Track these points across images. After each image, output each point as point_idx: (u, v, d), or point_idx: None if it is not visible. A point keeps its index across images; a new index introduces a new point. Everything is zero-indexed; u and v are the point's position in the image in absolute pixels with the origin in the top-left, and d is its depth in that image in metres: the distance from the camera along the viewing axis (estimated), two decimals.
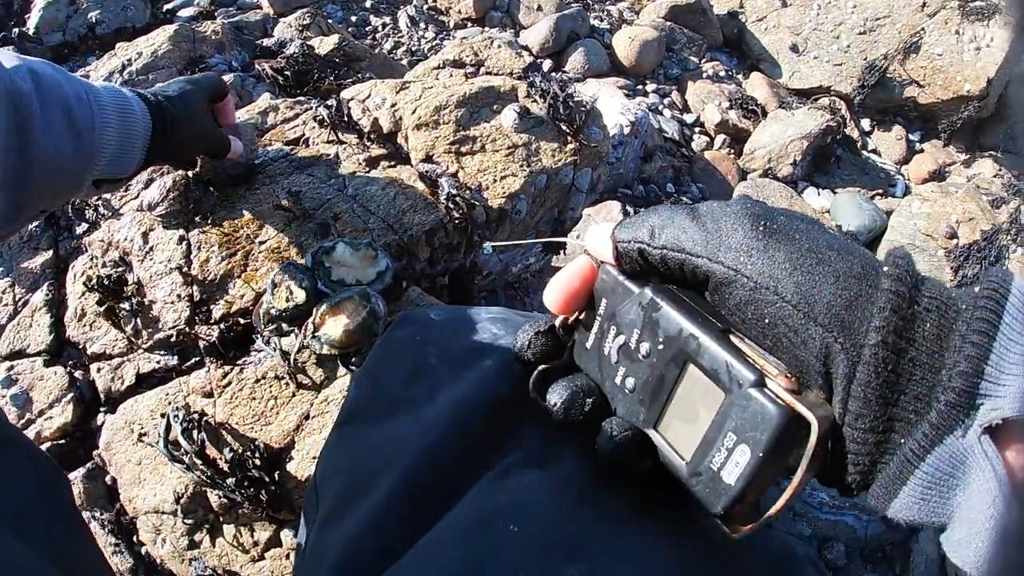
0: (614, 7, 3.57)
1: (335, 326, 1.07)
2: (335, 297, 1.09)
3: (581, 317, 0.52)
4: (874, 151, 3.19)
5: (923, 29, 3.17)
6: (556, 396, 0.50)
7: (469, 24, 3.21)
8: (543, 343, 0.53)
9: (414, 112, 1.35)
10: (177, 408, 1.10)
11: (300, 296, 1.10)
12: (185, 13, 4.12)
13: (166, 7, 4.36)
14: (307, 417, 1.07)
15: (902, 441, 0.35)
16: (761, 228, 0.40)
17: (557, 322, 0.53)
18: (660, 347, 0.44)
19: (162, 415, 1.09)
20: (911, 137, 3.23)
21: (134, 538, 1.14)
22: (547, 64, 2.89)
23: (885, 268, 0.37)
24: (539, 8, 3.14)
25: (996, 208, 2.64)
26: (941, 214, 2.55)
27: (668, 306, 0.44)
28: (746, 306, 0.40)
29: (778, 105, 3.18)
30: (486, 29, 3.15)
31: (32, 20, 4.46)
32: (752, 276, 0.39)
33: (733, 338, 0.41)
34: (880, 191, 2.96)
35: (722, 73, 3.38)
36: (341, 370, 1.09)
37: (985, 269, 2.18)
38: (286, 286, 1.12)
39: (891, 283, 0.36)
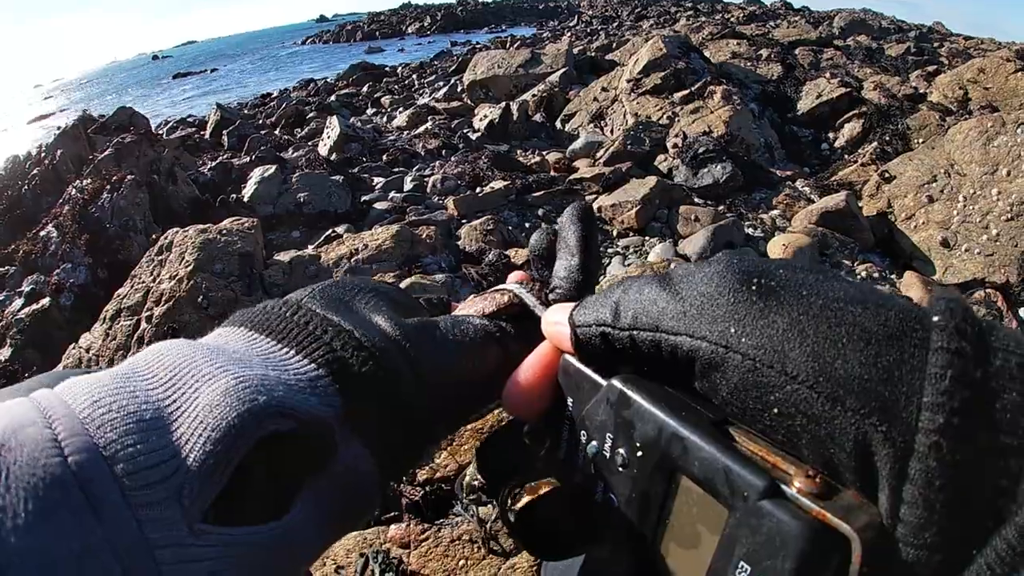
0: (767, 215, 3.79)
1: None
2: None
3: (549, 418, 0.42)
4: None
5: None
6: (527, 530, 0.40)
7: (631, 233, 3.54)
8: (508, 456, 0.43)
9: None
10: (377, 551, 1.28)
11: None
12: (380, 206, 4.80)
13: (364, 198, 5.10)
14: None
15: (975, 553, 0.25)
16: (754, 287, 0.31)
17: (525, 428, 0.43)
18: (639, 454, 0.34)
19: (360, 555, 1.27)
20: None
21: None
22: None
23: (936, 318, 0.27)
24: (696, 219, 3.43)
25: None
26: None
27: (642, 400, 0.34)
28: (745, 392, 0.30)
29: None
30: (647, 238, 3.46)
31: (247, 191, 5.32)
32: (748, 352, 0.29)
33: (733, 431, 0.32)
34: None
35: (876, 274, 3.42)
36: None
37: None
38: None
39: (947, 339, 0.26)
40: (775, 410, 0.29)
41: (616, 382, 0.35)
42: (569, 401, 0.40)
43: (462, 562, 1.26)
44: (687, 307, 0.32)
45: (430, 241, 2.62)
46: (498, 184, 4.05)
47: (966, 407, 0.24)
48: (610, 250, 3.36)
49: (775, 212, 3.86)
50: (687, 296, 0.33)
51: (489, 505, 1.31)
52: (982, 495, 0.24)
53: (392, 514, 1.38)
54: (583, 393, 0.38)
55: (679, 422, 0.32)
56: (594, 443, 0.37)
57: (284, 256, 3.02)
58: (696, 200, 3.86)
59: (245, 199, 5.20)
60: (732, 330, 0.30)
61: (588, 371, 0.38)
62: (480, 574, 1.24)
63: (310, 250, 3.22)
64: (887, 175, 3.96)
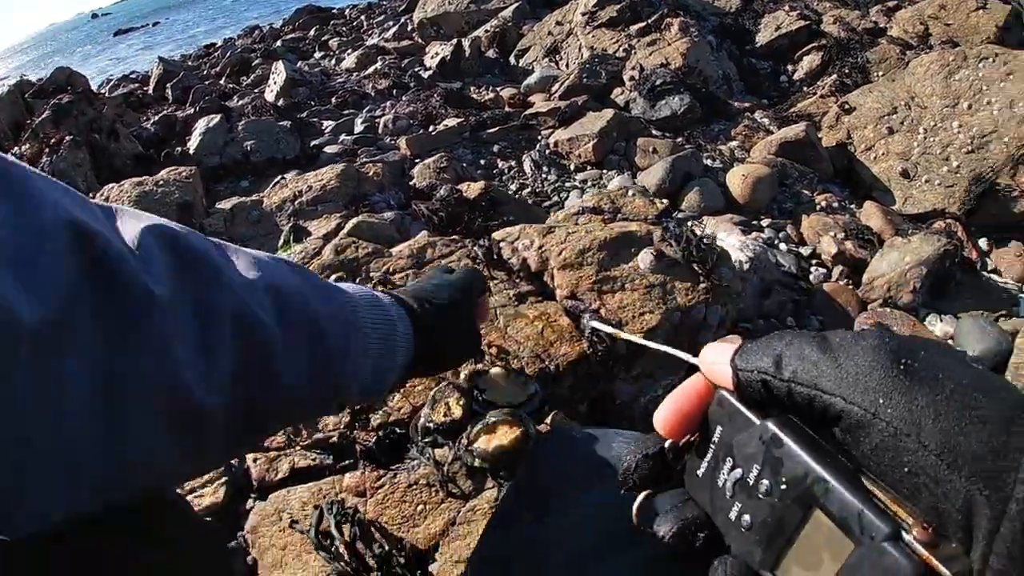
0: (725, 146, 3.72)
1: (489, 443, 1.19)
2: (491, 417, 1.22)
3: (692, 440, 0.48)
4: (994, 271, 3.08)
5: None
6: (666, 526, 0.47)
7: (589, 167, 3.44)
8: (650, 467, 0.49)
9: (560, 254, 1.52)
10: (331, 502, 1.21)
11: (457, 412, 1.24)
12: (330, 150, 4.63)
13: (313, 143, 4.92)
14: (453, 523, 1.16)
15: None
16: (902, 367, 0.37)
17: (666, 445, 0.49)
18: (783, 487, 0.40)
19: (315, 507, 1.21)
20: None
21: None
22: (664, 202, 3.03)
23: None
24: (654, 151, 3.34)
25: None
26: None
27: (793, 444, 0.40)
28: (882, 452, 0.36)
29: (894, 232, 3.16)
30: (605, 172, 3.37)
31: (193, 142, 5.12)
32: (892, 421, 0.36)
33: (865, 481, 0.38)
34: (1004, 312, 2.83)
35: (835, 204, 3.40)
36: (490, 483, 1.20)
37: None
38: (445, 403, 1.26)
39: None
40: (906, 469, 0.35)
41: (771, 424, 0.42)
42: (718, 429, 0.46)
43: (420, 507, 1.20)
44: (844, 374, 0.38)
45: (377, 179, 2.49)
46: (451, 122, 3.90)
47: None
48: (568, 184, 3.26)
49: (734, 143, 3.80)
50: (845, 365, 0.39)
51: (446, 447, 1.24)
52: None
53: (347, 462, 1.31)
54: (733, 426, 0.44)
55: (825, 468, 0.38)
56: (739, 470, 0.43)
57: (226, 203, 2.88)
58: (654, 132, 3.76)
59: (191, 151, 4.94)
60: (881, 401, 0.36)
61: (743, 408, 0.44)
62: (439, 519, 1.18)
63: (254, 196, 3.07)
64: (847, 106, 3.91)
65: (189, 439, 0.55)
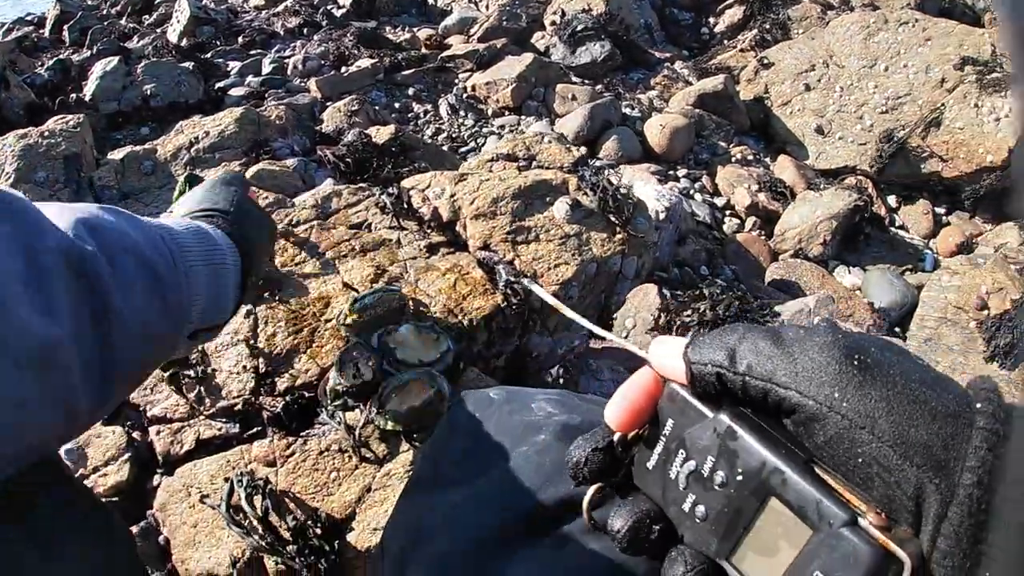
0: (644, 96, 3.70)
1: (401, 403, 1.14)
2: (402, 376, 1.16)
3: (641, 432, 0.48)
4: (902, 227, 3.23)
5: (943, 104, 3.26)
6: (620, 521, 0.46)
7: (506, 112, 3.35)
8: (600, 460, 0.49)
9: (472, 203, 1.45)
10: (241, 474, 1.14)
11: (367, 374, 1.17)
12: (236, 92, 4.35)
13: (218, 85, 4.62)
14: (369, 490, 1.12)
15: (987, 574, 0.34)
16: (855, 362, 0.39)
17: (615, 438, 0.49)
18: (739, 478, 0.42)
19: (225, 479, 1.14)
20: (937, 211, 3.27)
21: None
22: (581, 151, 2.99)
23: (979, 405, 0.36)
24: (573, 98, 3.28)
25: None
26: (971, 286, 2.54)
27: (748, 436, 0.41)
28: (837, 443, 0.38)
29: (806, 186, 3.25)
30: (523, 117, 3.29)
31: (89, 88, 4.75)
32: (847, 414, 0.38)
33: (817, 470, 0.40)
34: (909, 266, 2.98)
35: (750, 157, 3.45)
36: (404, 446, 1.15)
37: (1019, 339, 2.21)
38: (353, 364, 1.19)
39: (986, 420, 0.36)
40: (859, 460, 0.38)
41: (724, 417, 0.43)
42: (669, 423, 0.46)
43: (333, 475, 1.15)
44: (799, 368, 0.40)
45: (280, 123, 2.33)
46: (365, 63, 3.71)
47: (992, 469, 0.34)
48: (485, 130, 3.18)
49: (653, 93, 3.78)
50: (800, 360, 0.40)
51: (356, 410, 1.18)
52: (994, 531, 0.34)
53: (255, 430, 1.23)
54: (686, 419, 0.45)
55: (781, 459, 0.40)
56: (692, 462, 0.44)
57: (117, 153, 2.69)
58: (574, 79, 3.70)
59: (87, 98, 4.55)
60: (836, 395, 0.38)
61: (696, 402, 0.45)
62: (354, 485, 1.12)
63: (147, 145, 2.88)
64: (765, 61, 3.95)
65: (48, 376, 0.56)
